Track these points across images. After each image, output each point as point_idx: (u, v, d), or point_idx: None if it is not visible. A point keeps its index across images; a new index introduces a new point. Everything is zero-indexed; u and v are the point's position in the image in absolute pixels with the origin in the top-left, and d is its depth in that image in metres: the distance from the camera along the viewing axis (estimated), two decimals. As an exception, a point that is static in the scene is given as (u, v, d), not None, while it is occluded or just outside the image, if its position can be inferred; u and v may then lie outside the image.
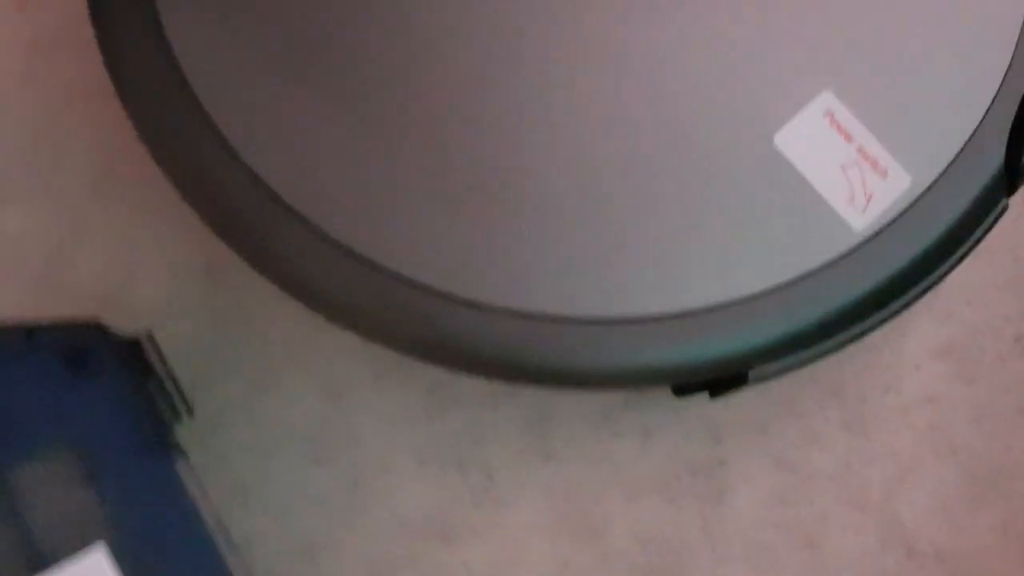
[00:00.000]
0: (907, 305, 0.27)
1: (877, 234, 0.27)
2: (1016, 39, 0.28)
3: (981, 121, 0.27)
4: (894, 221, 0.27)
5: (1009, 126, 0.27)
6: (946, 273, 0.27)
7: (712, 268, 0.26)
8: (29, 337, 0.25)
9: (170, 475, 0.25)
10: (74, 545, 0.24)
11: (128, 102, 0.27)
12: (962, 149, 0.27)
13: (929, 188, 0.27)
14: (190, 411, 0.27)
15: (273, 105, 0.27)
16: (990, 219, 0.27)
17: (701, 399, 0.32)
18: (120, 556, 0.24)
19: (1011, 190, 0.28)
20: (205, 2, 0.27)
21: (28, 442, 0.25)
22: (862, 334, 0.27)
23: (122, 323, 0.32)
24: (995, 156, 0.27)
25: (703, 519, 0.32)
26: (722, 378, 0.27)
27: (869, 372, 0.32)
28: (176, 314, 0.32)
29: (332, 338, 0.32)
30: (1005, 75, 0.28)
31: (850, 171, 0.27)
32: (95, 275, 0.32)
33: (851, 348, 0.32)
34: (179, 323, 0.32)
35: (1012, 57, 0.28)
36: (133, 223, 0.32)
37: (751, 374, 0.26)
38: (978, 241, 0.27)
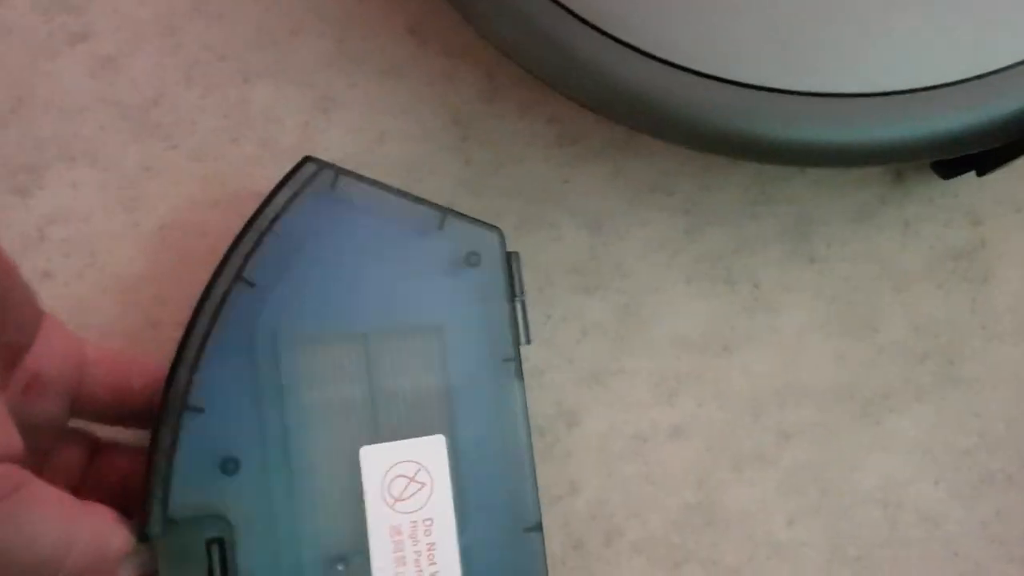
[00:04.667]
0: None
1: None
2: None
3: None
4: None
5: None
6: None
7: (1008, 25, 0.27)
8: (442, 223, 0.27)
9: (513, 393, 0.27)
10: (418, 428, 0.27)
11: None
12: None
13: None
14: (528, 339, 0.28)
15: None
16: None
17: (956, 184, 0.32)
18: (452, 451, 0.27)
19: None
20: None
21: (409, 318, 0.27)
22: None
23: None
24: None
25: (971, 300, 0.32)
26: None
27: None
28: (430, 170, 0.32)
29: (582, 173, 0.32)
30: None
31: None
32: (345, 139, 0.32)
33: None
34: (434, 178, 0.32)
35: None
36: (374, 87, 0.32)
37: None
38: None
